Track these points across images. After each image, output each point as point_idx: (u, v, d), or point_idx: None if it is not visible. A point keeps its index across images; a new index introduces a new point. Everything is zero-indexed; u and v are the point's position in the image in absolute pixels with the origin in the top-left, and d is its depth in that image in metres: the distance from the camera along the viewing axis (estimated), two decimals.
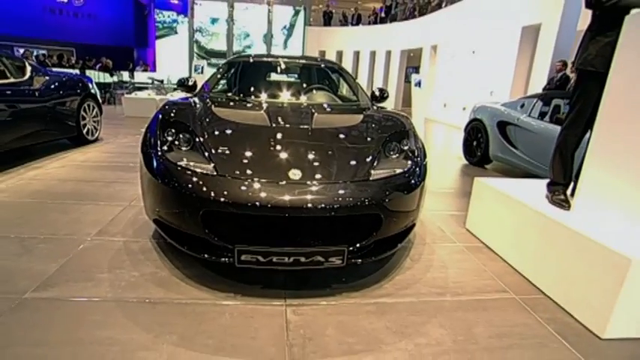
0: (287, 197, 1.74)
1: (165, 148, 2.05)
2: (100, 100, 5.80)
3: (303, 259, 1.76)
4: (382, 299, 1.95)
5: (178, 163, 1.92)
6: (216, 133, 2.19)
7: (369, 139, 2.28)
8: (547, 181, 2.53)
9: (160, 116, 2.28)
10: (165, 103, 2.54)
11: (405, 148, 2.29)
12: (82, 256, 2.18)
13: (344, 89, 3.85)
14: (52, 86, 4.51)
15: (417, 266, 2.35)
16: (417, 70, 17.38)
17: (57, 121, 4.56)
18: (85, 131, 5.24)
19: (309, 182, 1.85)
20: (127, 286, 1.90)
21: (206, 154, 1.98)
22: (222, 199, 1.73)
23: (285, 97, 3.15)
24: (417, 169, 2.16)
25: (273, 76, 3.58)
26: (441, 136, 9.48)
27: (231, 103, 2.92)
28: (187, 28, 20.09)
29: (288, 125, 2.38)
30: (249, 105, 2.82)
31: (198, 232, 1.83)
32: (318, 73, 3.79)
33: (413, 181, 2.07)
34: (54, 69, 9.08)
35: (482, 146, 5.51)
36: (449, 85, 12.44)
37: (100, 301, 1.76)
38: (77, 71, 10.41)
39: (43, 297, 1.77)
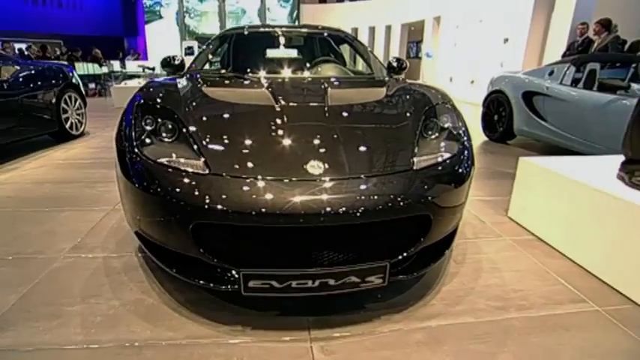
0: (308, 201, 1.28)
1: (142, 140, 1.59)
2: (84, 91, 5.30)
3: (332, 282, 1.32)
4: (432, 322, 1.52)
5: (158, 160, 1.46)
6: (208, 118, 1.72)
7: (405, 115, 1.80)
8: (607, 158, 2.07)
9: (137, 100, 1.80)
10: (144, 84, 2.06)
11: (446, 125, 1.81)
12: (50, 282, 1.75)
13: (355, 60, 3.35)
14: (23, 77, 4.00)
15: (464, 270, 1.92)
16: (417, 44, 16.66)
17: (32, 115, 4.08)
18: (67, 125, 4.76)
19: (335, 178, 1.39)
20: (104, 322, 1.48)
21: (195, 146, 1.51)
22: (218, 207, 1.28)
23: (288, 72, 2.65)
24: (466, 152, 1.70)
25: (273, 50, 3.07)
26: None
27: (226, 81, 2.43)
28: (173, 12, 18.66)
29: (296, 104, 1.90)
30: (246, 82, 2.33)
31: (189, 251, 1.39)
32: (324, 44, 3.28)
33: (463, 169, 1.62)
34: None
35: (503, 120, 5.02)
36: (454, 58, 11.78)
37: (67, 350, 1.34)
38: (65, 63, 9.80)
39: None
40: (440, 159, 1.58)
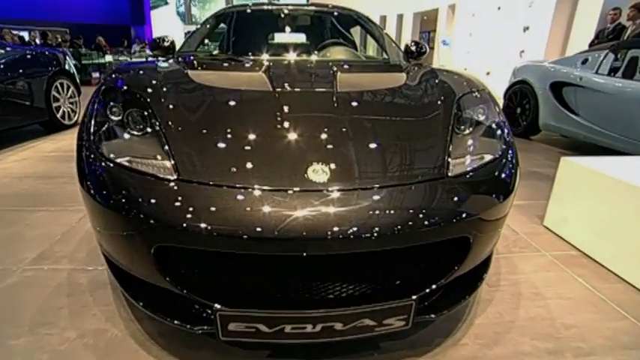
0: (310, 220, 0.95)
1: (102, 133, 1.26)
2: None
3: (339, 326, 0.99)
4: None
5: (117, 160, 1.14)
6: (186, 107, 1.38)
7: (434, 105, 1.45)
8: None
9: (104, 86, 1.48)
10: (118, 66, 1.74)
11: (482, 118, 1.45)
12: None
13: (365, 46, 2.97)
14: (8, 62, 3.71)
15: (500, 297, 1.58)
16: (429, 34, 16.10)
17: (18, 103, 3.79)
18: (59, 115, 4.48)
19: (345, 188, 1.05)
20: None
21: (166, 147, 1.18)
22: (184, 226, 0.95)
23: (291, 55, 2.29)
24: (511, 151, 1.35)
25: (277, 32, 2.71)
26: None
27: (216, 64, 2.09)
28: None
29: (299, 89, 1.56)
30: (240, 65, 1.98)
31: (154, 279, 1.07)
32: (333, 25, 2.91)
33: (510, 174, 1.26)
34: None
35: (527, 114, 4.62)
36: (469, 48, 11.26)
37: None
38: (59, 49, 9.53)
39: None
40: (481, 162, 1.23)
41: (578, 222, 2.00)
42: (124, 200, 1.02)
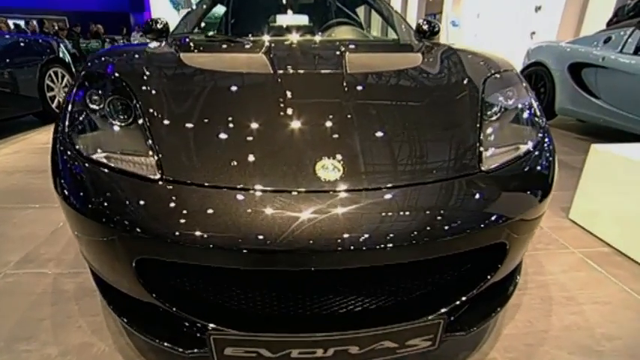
0: (319, 227, 0.78)
1: (80, 123, 1.10)
2: (76, 68, 4.83)
3: (355, 350, 0.84)
4: None
5: (93, 156, 0.98)
6: (176, 94, 1.21)
7: (460, 86, 1.27)
8: None
9: (85, 71, 1.31)
10: (103, 49, 1.57)
11: (511, 102, 1.27)
12: None
13: (370, 26, 2.76)
14: None
15: (528, 302, 1.42)
16: (435, 16, 15.67)
17: (9, 94, 3.63)
18: (54, 105, 4.32)
19: (359, 188, 0.88)
20: None
21: (149, 141, 1.01)
22: (167, 237, 0.79)
23: (293, 36, 2.09)
24: (547, 139, 1.17)
25: (279, 11, 2.50)
26: None
27: (210, 45, 1.90)
28: None
29: (302, 71, 1.38)
30: (238, 46, 1.80)
31: (138, 295, 0.92)
32: (339, 4, 2.69)
33: (548, 166, 1.09)
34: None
35: (542, 97, 4.40)
36: (477, 30, 10.88)
37: None
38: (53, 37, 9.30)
39: None
40: (516, 153, 1.05)
41: (610, 215, 1.83)
42: (96, 204, 0.86)
